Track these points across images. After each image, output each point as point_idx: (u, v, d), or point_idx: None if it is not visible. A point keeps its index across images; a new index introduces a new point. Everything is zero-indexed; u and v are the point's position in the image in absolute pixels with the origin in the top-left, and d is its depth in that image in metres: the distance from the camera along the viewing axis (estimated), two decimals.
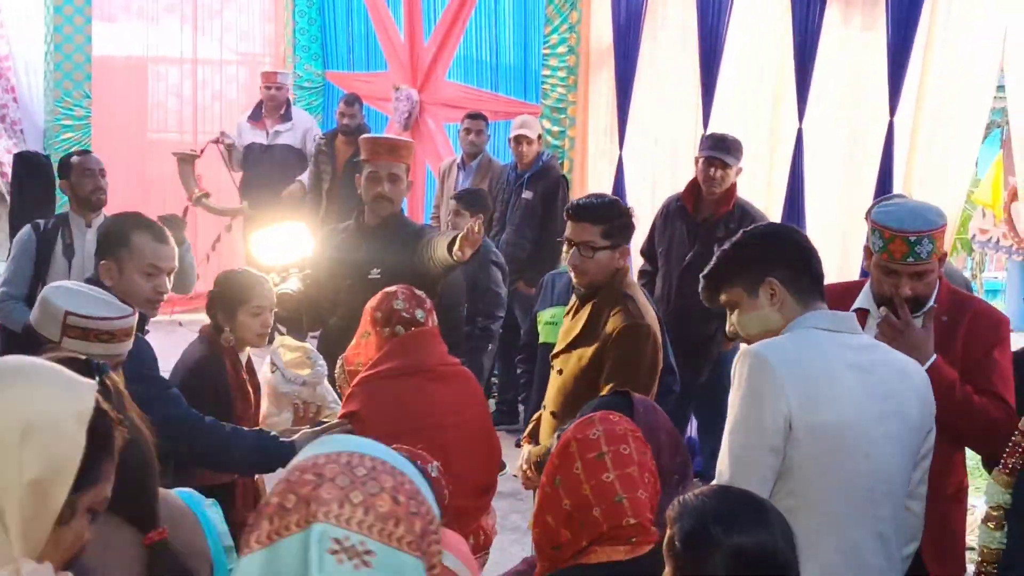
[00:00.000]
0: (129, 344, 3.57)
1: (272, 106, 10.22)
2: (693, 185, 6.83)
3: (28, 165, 7.88)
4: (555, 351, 4.62)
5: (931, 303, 3.79)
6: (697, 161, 6.69)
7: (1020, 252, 7.24)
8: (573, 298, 4.68)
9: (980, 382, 3.74)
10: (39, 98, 10.57)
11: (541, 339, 5.33)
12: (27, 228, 6.20)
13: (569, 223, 4.50)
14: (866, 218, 5.89)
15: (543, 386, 5.07)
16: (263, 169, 10.01)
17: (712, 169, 6.60)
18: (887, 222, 3.76)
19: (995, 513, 3.47)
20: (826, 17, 6.84)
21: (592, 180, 8.55)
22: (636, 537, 2.51)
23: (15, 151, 10.21)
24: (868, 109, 6.92)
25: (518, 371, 5.72)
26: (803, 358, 3.14)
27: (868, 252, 3.84)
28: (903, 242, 3.66)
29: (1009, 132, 7.32)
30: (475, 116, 8.93)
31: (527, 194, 8.21)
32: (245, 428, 4.07)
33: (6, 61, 10.49)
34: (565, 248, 4.53)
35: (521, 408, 8.05)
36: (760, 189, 7.38)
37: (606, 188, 8.21)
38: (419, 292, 4.16)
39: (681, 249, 6.86)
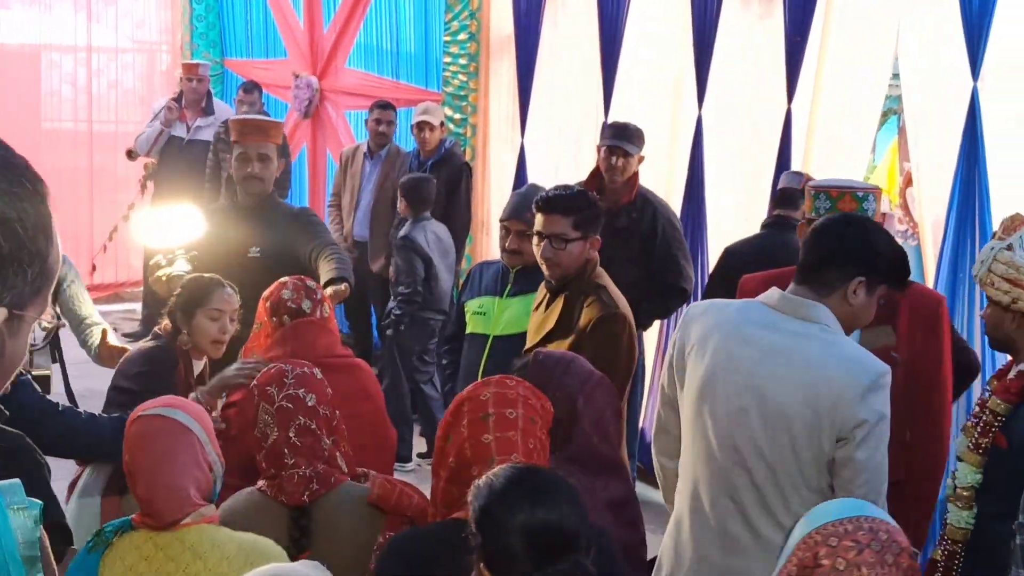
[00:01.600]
0: None
1: (193, 99, 9.95)
2: (595, 174, 6.79)
3: None
4: (528, 345, 4.58)
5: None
6: (599, 150, 6.66)
7: (915, 236, 7.32)
8: (541, 290, 4.67)
9: (923, 380, 4.01)
10: None
11: (468, 329, 5.28)
12: None
13: (539, 216, 4.48)
14: (803, 191, 5.96)
15: (470, 376, 5.04)
16: (181, 165, 9.74)
17: (614, 158, 6.55)
18: (833, 184, 3.87)
19: (965, 493, 3.51)
20: (724, 5, 6.86)
21: (494, 168, 8.52)
22: None
23: None
24: (766, 96, 6.96)
25: (443, 361, 5.67)
26: (720, 316, 3.34)
27: (804, 230, 3.92)
28: (852, 198, 3.78)
29: (904, 119, 7.41)
30: (385, 106, 8.77)
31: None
32: (108, 415, 3.96)
33: None
34: (536, 241, 4.51)
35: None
36: (661, 176, 7.38)
37: (508, 176, 8.19)
38: (311, 283, 4.14)
39: None
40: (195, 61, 10.56)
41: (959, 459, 3.66)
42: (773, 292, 3.34)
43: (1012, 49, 5.66)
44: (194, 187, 9.35)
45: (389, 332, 7.62)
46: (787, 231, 5.99)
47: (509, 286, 5.16)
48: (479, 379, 4.89)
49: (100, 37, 11.77)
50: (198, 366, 4.41)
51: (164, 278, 5.19)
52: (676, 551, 3.41)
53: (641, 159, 6.62)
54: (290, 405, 3.09)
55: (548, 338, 4.48)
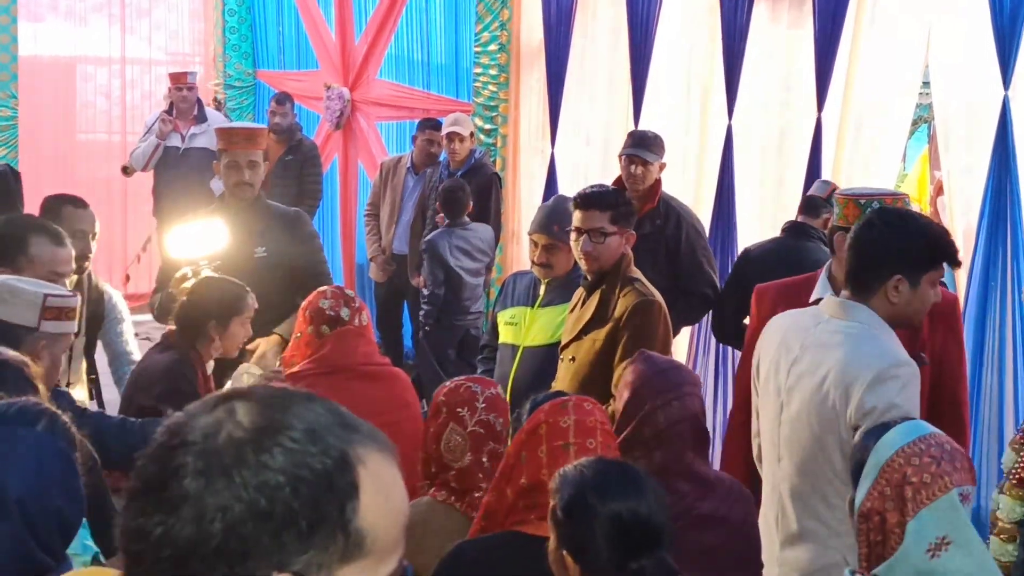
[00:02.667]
0: None
1: (184, 108, 9.91)
2: (618, 183, 6.81)
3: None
4: (564, 342, 4.71)
5: None
6: (620, 159, 6.68)
7: None
8: (577, 293, 4.79)
9: (947, 376, 4.06)
10: None
11: (500, 339, 5.30)
12: None
13: (577, 212, 4.66)
14: (827, 199, 5.97)
15: (502, 386, 5.07)
16: (179, 174, 9.71)
17: (633, 167, 6.58)
18: (862, 192, 3.94)
19: (1009, 526, 3.51)
20: (754, 14, 6.87)
21: (524, 177, 8.53)
22: None
23: None
24: (796, 105, 6.96)
25: (480, 370, 5.70)
26: (779, 325, 3.55)
27: (833, 237, 3.98)
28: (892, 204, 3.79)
29: (935, 128, 7.39)
30: (431, 125, 8.74)
31: None
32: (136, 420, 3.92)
33: None
34: (574, 237, 4.66)
35: None
36: (690, 185, 7.40)
37: (538, 186, 8.21)
38: (348, 292, 4.19)
39: None
40: (182, 71, 10.50)
41: (1000, 492, 3.66)
42: (828, 298, 3.53)
43: None
44: (194, 195, 9.27)
45: (421, 335, 7.91)
46: (804, 238, 6.00)
47: (541, 297, 5.17)
48: (509, 390, 4.97)
49: (134, 49, 11.85)
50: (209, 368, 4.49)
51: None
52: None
53: (663, 166, 6.64)
54: (482, 431, 3.20)
55: (585, 329, 4.57)
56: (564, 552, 2.32)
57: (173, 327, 4.54)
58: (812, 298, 3.98)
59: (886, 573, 2.46)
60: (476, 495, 3.12)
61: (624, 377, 3.33)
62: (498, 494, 2.81)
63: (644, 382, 3.20)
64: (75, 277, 5.02)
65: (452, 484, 3.20)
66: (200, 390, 4.27)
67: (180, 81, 9.99)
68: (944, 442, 2.51)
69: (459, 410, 3.20)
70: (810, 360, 3.38)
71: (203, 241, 5.57)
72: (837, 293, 3.84)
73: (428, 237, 7.68)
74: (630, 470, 2.41)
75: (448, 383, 3.34)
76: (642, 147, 6.58)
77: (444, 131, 8.35)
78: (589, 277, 4.66)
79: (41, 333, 3.49)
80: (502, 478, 2.82)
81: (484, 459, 3.16)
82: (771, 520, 3.49)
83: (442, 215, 7.73)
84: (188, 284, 5.27)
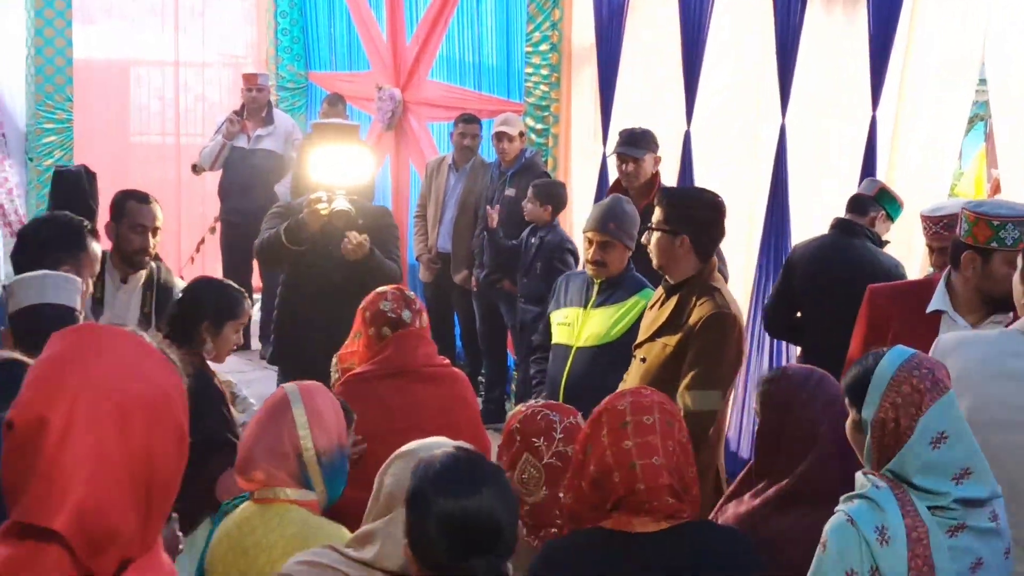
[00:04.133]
0: None
1: (254, 108, 10.04)
2: (617, 183, 6.91)
3: (63, 185, 6.87)
4: (639, 341, 4.66)
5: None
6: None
7: None
8: (659, 290, 4.73)
9: None
10: (20, 102, 10.50)
11: (553, 340, 5.29)
12: None
13: (659, 209, 4.61)
14: (875, 197, 5.90)
15: (553, 387, 5.07)
16: (243, 174, 9.85)
17: (624, 165, 6.72)
18: (996, 212, 3.86)
19: None
20: (808, 12, 6.83)
21: (576, 178, 8.53)
22: (650, 503, 2.66)
23: (2, 156, 10.18)
24: (850, 103, 6.92)
25: (531, 371, 5.70)
26: (977, 351, 3.44)
27: (960, 256, 3.85)
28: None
29: (992, 125, 7.33)
30: (469, 120, 8.84)
31: (510, 191, 8.18)
32: None
33: None
34: (646, 235, 4.64)
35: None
36: (745, 184, 7.37)
37: (590, 186, 8.21)
38: (409, 293, 4.18)
39: None
40: (255, 72, 10.66)
41: None
42: None
43: None
44: (258, 196, 9.49)
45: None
46: (851, 235, 5.97)
47: (594, 297, 5.16)
48: (562, 390, 4.96)
49: (187, 52, 11.94)
50: None
51: (324, 211, 5.56)
52: None
53: (657, 160, 6.77)
54: (559, 463, 3.02)
55: (658, 333, 4.52)
56: (405, 542, 2.32)
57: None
58: (930, 309, 3.92)
59: (897, 466, 2.86)
60: (552, 531, 3.00)
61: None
62: (575, 493, 2.79)
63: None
64: (142, 272, 5.22)
65: (524, 519, 2.97)
66: (222, 392, 4.20)
67: (251, 82, 10.12)
68: (927, 358, 2.99)
69: (535, 440, 3.04)
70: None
71: (347, 170, 5.73)
72: (956, 306, 3.88)
73: (560, 236, 7.61)
74: (480, 466, 2.37)
75: (523, 408, 3.17)
76: (630, 144, 6.72)
77: (493, 131, 8.40)
78: (670, 280, 4.59)
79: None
80: (574, 476, 2.80)
81: (561, 494, 2.96)
82: None
83: (548, 210, 7.63)
84: (322, 206, 5.55)
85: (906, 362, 2.91)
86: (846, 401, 3.04)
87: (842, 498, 2.92)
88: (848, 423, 3.02)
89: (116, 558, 1.62)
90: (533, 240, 7.55)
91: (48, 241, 4.44)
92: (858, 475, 2.92)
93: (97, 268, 4.63)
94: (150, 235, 5.21)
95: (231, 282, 4.54)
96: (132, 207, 5.25)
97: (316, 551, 2.79)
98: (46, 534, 1.57)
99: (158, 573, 1.68)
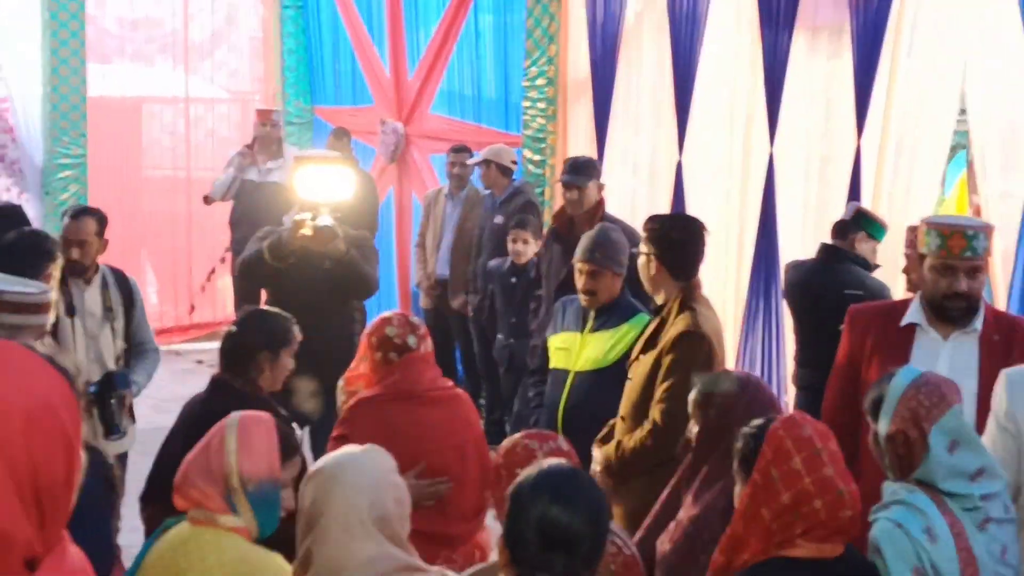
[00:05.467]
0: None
1: (266, 142, 10.04)
2: (561, 210, 6.96)
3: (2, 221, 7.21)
4: (630, 360, 4.70)
5: (977, 324, 3.86)
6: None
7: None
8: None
9: None
10: (37, 138, 10.54)
11: (551, 364, 5.28)
12: None
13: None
14: (912, 233, 5.98)
15: (551, 411, 5.09)
16: (254, 206, 9.86)
17: (568, 192, 6.77)
18: (944, 221, 3.91)
19: None
20: (793, 45, 6.90)
21: None
22: (845, 531, 2.73)
23: (13, 190, 10.23)
24: (836, 132, 6.98)
25: (530, 394, 5.70)
26: None
27: (911, 264, 3.94)
28: (962, 236, 3.75)
29: (972, 154, 7.38)
30: (459, 150, 8.96)
31: (498, 219, 8.25)
32: None
33: (4, 103, 10.44)
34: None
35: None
36: (734, 210, 7.42)
37: None
38: (414, 319, 4.20)
39: (556, 269, 6.89)
40: (267, 108, 10.70)
41: None
42: None
43: None
44: (267, 225, 9.37)
45: None
46: (836, 260, 6.07)
47: (591, 323, 5.16)
48: (560, 413, 4.97)
49: (197, 88, 11.98)
50: None
51: (310, 229, 5.66)
52: None
53: (601, 187, 6.82)
54: None
55: (644, 350, 4.56)
56: (501, 537, 2.38)
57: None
58: (904, 322, 3.97)
59: (923, 474, 3.05)
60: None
61: None
62: (749, 520, 2.77)
63: None
64: (95, 276, 5.71)
65: None
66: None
67: (265, 118, 10.13)
68: (934, 376, 3.19)
69: (518, 471, 2.91)
70: None
71: (331, 187, 5.81)
72: (929, 320, 3.92)
73: (479, 270, 7.73)
74: (575, 479, 2.43)
75: (505, 443, 3.19)
76: (573, 173, 6.79)
77: (479, 158, 8.53)
78: (658, 302, 4.64)
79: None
80: (752, 504, 2.77)
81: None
82: None
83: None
84: (306, 228, 5.65)
85: (914, 381, 3.10)
86: (868, 418, 3.22)
87: (874, 508, 3.07)
88: (870, 436, 3.21)
89: (19, 558, 1.63)
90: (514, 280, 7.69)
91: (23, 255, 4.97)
92: (886, 484, 3.12)
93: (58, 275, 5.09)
94: (75, 248, 5.60)
95: (278, 310, 4.52)
96: (64, 224, 5.74)
97: None
98: None
99: (68, 566, 1.69)
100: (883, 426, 3.10)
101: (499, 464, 3.11)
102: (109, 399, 5.18)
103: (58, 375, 1.73)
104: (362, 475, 2.86)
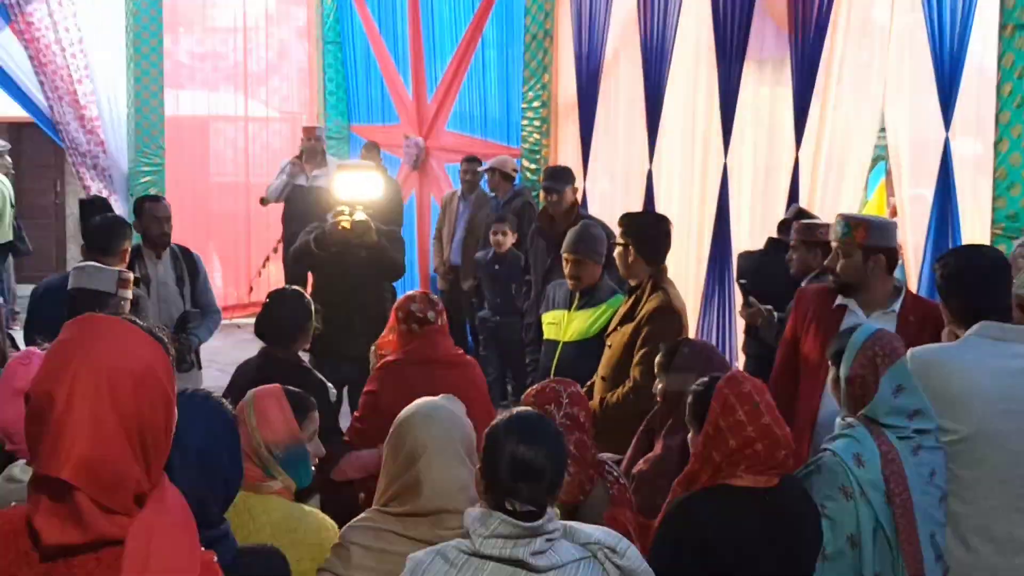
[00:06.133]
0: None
1: (311, 154, 9.98)
2: (544, 211, 6.93)
3: (92, 209, 7.22)
4: (608, 331, 4.72)
5: (896, 306, 3.87)
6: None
7: (899, 259, 7.30)
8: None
9: None
10: (123, 149, 10.53)
11: (545, 336, 5.31)
12: None
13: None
14: (796, 217, 5.97)
15: (545, 374, 5.09)
16: (303, 207, 9.84)
17: (549, 196, 6.79)
18: (853, 217, 4.06)
19: None
20: (744, 75, 6.88)
21: None
22: (779, 466, 2.74)
23: (104, 192, 10.24)
24: (778, 147, 6.96)
25: (527, 361, 5.72)
26: (961, 362, 3.27)
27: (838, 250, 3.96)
28: (865, 228, 3.90)
29: (890, 164, 7.36)
30: (470, 160, 8.93)
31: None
32: None
33: (96, 121, 10.43)
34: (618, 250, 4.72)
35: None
36: (695, 210, 7.41)
37: None
38: (433, 297, 4.20)
39: (542, 260, 6.88)
40: (312, 125, 10.62)
41: None
42: (990, 327, 3.28)
43: (972, 104, 5.63)
44: (313, 222, 9.33)
45: None
46: (781, 251, 6.03)
47: (576, 302, 5.17)
48: (552, 375, 4.96)
49: (254, 110, 11.97)
50: None
51: (348, 223, 5.68)
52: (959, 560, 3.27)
53: (575, 190, 6.83)
54: (568, 422, 3.02)
55: (621, 323, 4.56)
56: (477, 469, 2.35)
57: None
58: (837, 303, 3.97)
59: (870, 411, 3.13)
60: (565, 478, 3.01)
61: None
62: (703, 461, 2.79)
63: None
64: (166, 251, 5.74)
65: None
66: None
67: (310, 133, 10.05)
68: (886, 332, 3.24)
69: (547, 407, 3.03)
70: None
71: (363, 188, 5.83)
72: (858, 302, 3.91)
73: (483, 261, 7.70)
74: (540, 423, 2.40)
75: (536, 386, 3.19)
76: (551, 179, 6.81)
77: (487, 167, 8.53)
78: (632, 283, 4.64)
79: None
80: (705, 448, 2.79)
81: (572, 447, 2.97)
82: (998, 534, 3.20)
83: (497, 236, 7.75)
84: (345, 222, 5.73)
85: (871, 335, 3.17)
86: (830, 362, 3.30)
87: (826, 438, 3.16)
88: (830, 378, 3.31)
89: (131, 493, 1.65)
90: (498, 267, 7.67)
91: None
92: (837, 420, 3.21)
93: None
94: (164, 223, 5.69)
95: (298, 290, 4.46)
96: (147, 207, 5.78)
97: (363, 516, 2.75)
98: (60, 484, 1.61)
99: (169, 499, 1.71)
100: (844, 370, 3.16)
101: (531, 401, 3.09)
102: (181, 336, 5.23)
103: (156, 343, 1.76)
104: (451, 415, 2.84)
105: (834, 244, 3.93)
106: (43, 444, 1.63)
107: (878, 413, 3.11)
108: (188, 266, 5.79)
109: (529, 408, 2.52)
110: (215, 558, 1.75)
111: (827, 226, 5.41)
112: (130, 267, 5.44)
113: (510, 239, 7.62)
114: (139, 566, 1.61)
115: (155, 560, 1.62)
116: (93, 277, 4.40)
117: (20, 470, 2.65)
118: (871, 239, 3.88)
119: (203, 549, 1.73)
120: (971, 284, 3.35)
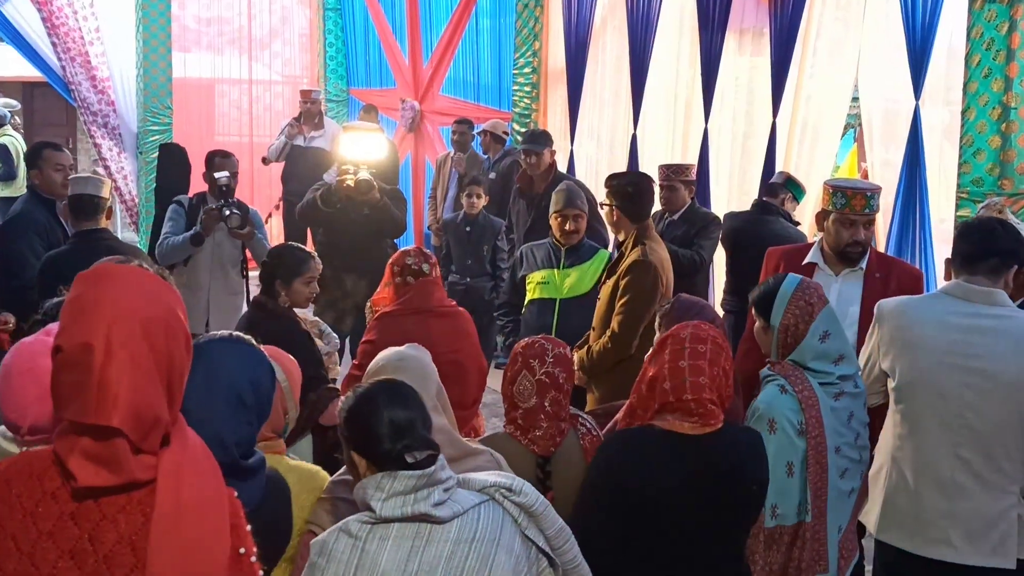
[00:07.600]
0: None
1: (309, 116, 9.86)
2: (524, 171, 6.85)
3: (170, 155, 7.47)
4: (600, 284, 4.66)
5: (863, 264, 3.81)
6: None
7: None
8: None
9: None
10: (132, 109, 10.41)
11: (533, 296, 5.06)
12: (173, 205, 5.72)
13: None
14: (783, 184, 5.93)
15: (547, 330, 4.87)
16: (300, 166, 9.77)
17: (527, 158, 6.70)
18: (848, 185, 3.89)
19: None
20: (725, 44, 6.83)
21: None
22: (699, 414, 2.63)
23: (114, 149, 10.13)
24: (756, 114, 6.94)
25: (501, 322, 5.51)
26: (920, 313, 3.18)
27: (820, 218, 3.88)
28: (863, 197, 3.73)
29: (861, 131, 7.34)
30: (462, 122, 8.84)
31: (492, 175, 8.18)
32: None
33: (107, 82, 10.30)
34: (607, 211, 4.61)
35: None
36: None
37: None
38: (426, 251, 4.14)
39: (523, 219, 6.82)
40: (310, 88, 10.50)
41: None
42: (956, 286, 3.15)
43: (941, 74, 5.61)
44: (311, 183, 9.22)
45: None
46: (766, 213, 5.98)
47: (563, 260, 4.99)
48: (553, 333, 4.82)
49: (258, 73, 11.85)
50: None
51: (352, 181, 5.61)
52: (896, 503, 3.22)
53: (553, 153, 6.77)
54: (547, 380, 2.96)
55: (606, 277, 4.51)
56: (353, 453, 2.23)
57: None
58: (806, 261, 3.89)
59: (797, 356, 3.12)
60: (537, 433, 2.96)
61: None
62: (637, 395, 2.75)
63: None
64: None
65: (519, 421, 2.98)
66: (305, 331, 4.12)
67: (307, 96, 9.94)
68: (811, 282, 3.22)
69: (531, 361, 2.98)
70: (997, 342, 3.05)
71: (369, 148, 5.77)
72: (825, 260, 3.84)
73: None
74: (398, 386, 2.30)
75: (525, 340, 3.10)
76: (531, 142, 6.72)
77: (481, 130, 8.46)
78: (619, 238, 4.57)
79: None
80: (639, 382, 2.75)
81: (547, 404, 2.94)
82: (939, 480, 3.12)
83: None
84: (349, 180, 5.65)
85: (799, 285, 3.16)
86: (753, 311, 3.25)
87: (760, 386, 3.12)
88: (756, 327, 3.25)
89: (159, 434, 1.65)
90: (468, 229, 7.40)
91: None
92: (763, 371, 3.15)
93: None
94: (233, 178, 5.55)
95: (299, 245, 4.35)
96: (218, 162, 5.65)
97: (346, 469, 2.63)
98: (104, 429, 1.59)
99: (189, 436, 1.72)
100: (775, 319, 3.13)
101: (518, 353, 3.03)
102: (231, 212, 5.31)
103: (169, 286, 1.75)
104: (420, 363, 2.78)
105: (859, 218, 3.78)
106: (85, 393, 1.59)
107: (805, 358, 3.10)
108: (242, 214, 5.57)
109: (361, 386, 2.36)
110: (235, 494, 1.74)
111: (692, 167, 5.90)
112: (198, 212, 5.51)
113: (483, 201, 7.41)
114: (172, 500, 1.61)
115: (186, 492, 1.63)
116: (89, 183, 4.75)
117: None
118: None
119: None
120: (963, 235, 3.29)
